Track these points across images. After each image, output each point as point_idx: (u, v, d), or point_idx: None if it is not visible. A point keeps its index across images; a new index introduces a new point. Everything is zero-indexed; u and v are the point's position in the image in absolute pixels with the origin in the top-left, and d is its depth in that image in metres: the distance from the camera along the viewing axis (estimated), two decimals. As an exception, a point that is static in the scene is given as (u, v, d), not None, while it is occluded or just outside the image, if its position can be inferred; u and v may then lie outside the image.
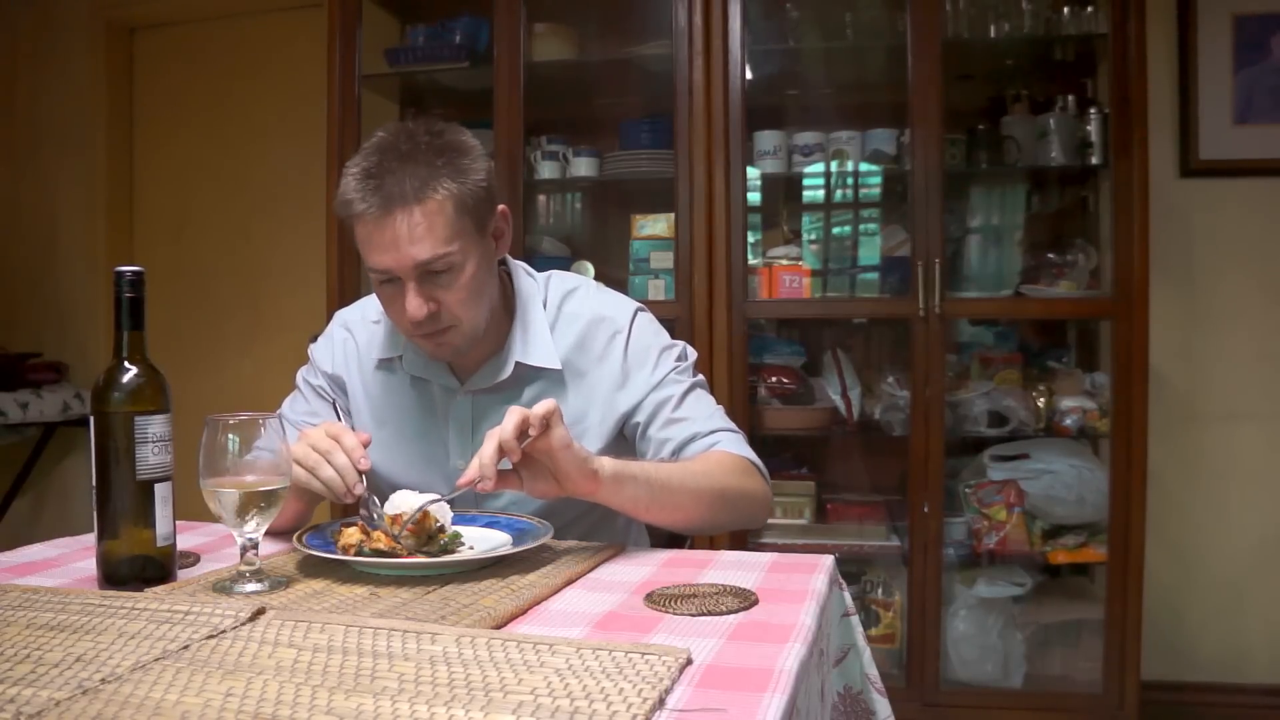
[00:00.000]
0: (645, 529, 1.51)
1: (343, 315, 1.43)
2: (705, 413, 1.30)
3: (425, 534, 1.06)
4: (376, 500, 1.10)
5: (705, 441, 1.26)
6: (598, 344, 1.31)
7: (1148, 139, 2.20)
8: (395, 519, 1.05)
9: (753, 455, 1.27)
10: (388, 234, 1.13)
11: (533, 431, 1.04)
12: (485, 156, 1.22)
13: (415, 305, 1.16)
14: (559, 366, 1.29)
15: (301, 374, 1.42)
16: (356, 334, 1.38)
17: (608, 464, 1.10)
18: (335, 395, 1.38)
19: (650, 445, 1.29)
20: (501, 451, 1.03)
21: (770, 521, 2.49)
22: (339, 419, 1.23)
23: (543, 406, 1.04)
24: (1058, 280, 2.37)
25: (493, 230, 1.24)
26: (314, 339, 1.46)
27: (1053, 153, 2.37)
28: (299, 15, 3.05)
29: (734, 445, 1.27)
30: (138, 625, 0.82)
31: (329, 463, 1.08)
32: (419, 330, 1.20)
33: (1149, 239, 2.21)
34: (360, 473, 1.08)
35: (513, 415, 1.03)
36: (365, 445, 1.10)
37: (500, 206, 1.25)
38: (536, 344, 1.29)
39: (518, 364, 1.28)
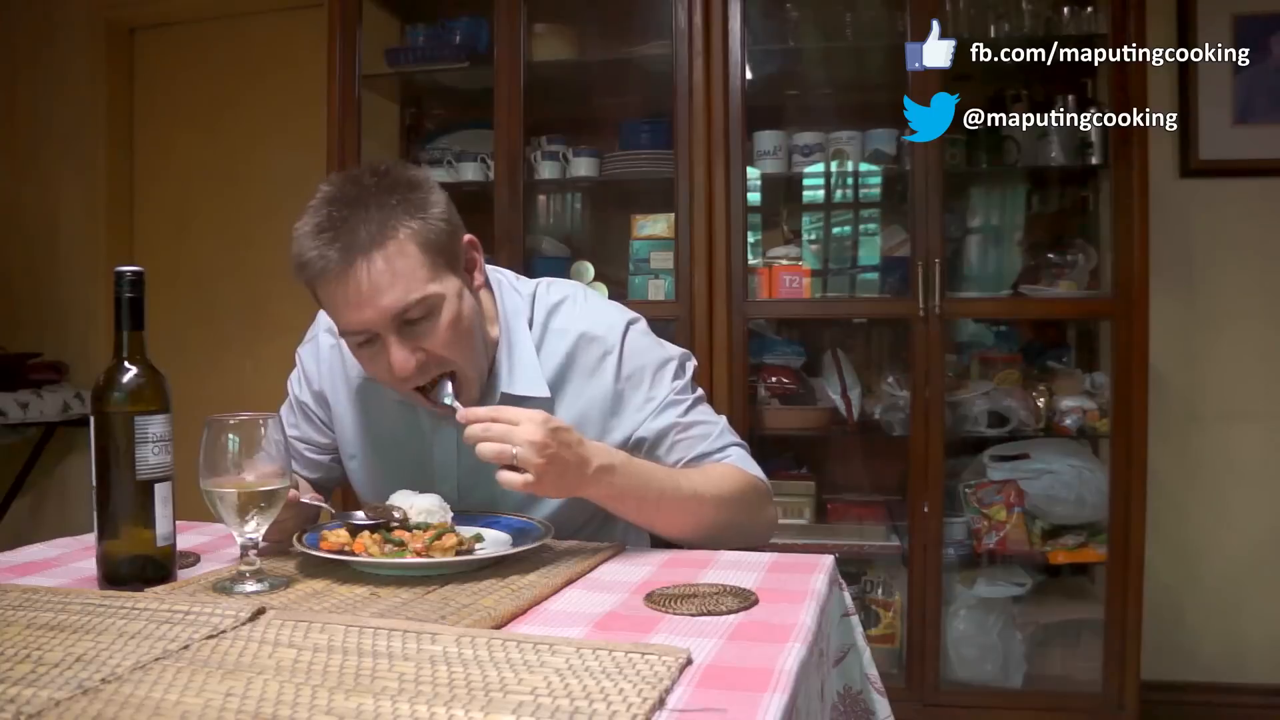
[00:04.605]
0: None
1: (327, 319, 1.32)
2: (713, 430, 1.26)
3: (454, 549, 1.06)
4: (399, 506, 1.10)
5: (715, 459, 1.24)
6: (587, 363, 1.24)
7: (1148, 139, 2.20)
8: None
9: (762, 475, 1.26)
10: (352, 288, 1.06)
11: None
12: (439, 188, 1.15)
13: (401, 359, 1.09)
14: (547, 394, 1.23)
15: (290, 382, 1.37)
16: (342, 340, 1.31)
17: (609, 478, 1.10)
18: (318, 414, 1.34)
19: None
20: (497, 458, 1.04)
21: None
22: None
23: (546, 429, 1.04)
24: (1058, 280, 2.37)
25: (464, 263, 1.17)
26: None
27: (1053, 153, 2.37)
28: (299, 15, 3.05)
29: (742, 462, 1.25)
30: (138, 625, 0.82)
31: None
32: (412, 385, 1.13)
33: (1149, 239, 2.20)
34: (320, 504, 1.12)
35: (534, 432, 1.03)
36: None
37: (466, 236, 1.18)
38: (522, 371, 1.23)
39: (504, 395, 1.22)
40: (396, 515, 1.09)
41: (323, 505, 1.16)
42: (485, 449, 1.04)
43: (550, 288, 1.30)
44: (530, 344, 1.24)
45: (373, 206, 1.07)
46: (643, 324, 1.30)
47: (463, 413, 1.07)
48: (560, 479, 1.06)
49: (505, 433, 1.03)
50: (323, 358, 1.33)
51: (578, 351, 1.24)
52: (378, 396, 1.29)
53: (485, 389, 1.23)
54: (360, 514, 1.11)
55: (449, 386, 1.14)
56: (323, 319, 1.35)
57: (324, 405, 1.33)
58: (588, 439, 1.10)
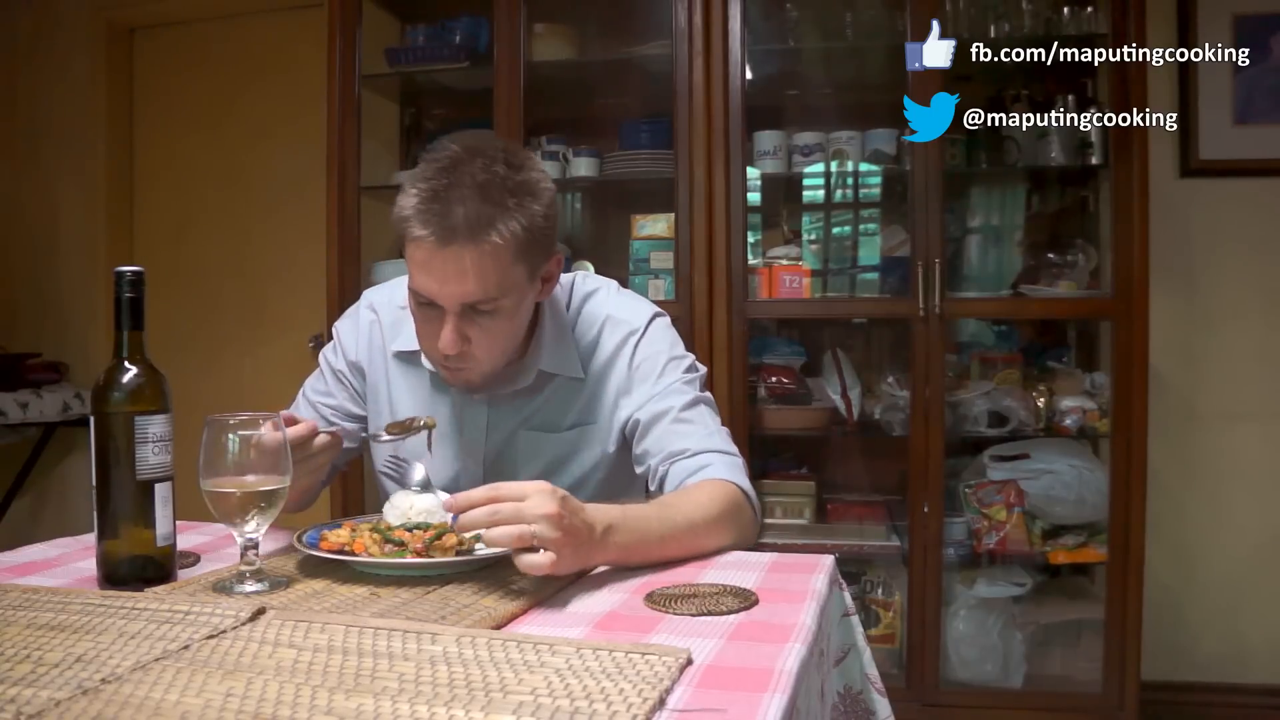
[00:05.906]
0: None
1: (371, 296, 1.41)
2: (703, 430, 1.25)
3: (454, 549, 1.06)
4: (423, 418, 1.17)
5: (695, 461, 1.21)
6: (611, 345, 1.30)
7: (1148, 139, 2.20)
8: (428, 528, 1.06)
9: (745, 483, 1.21)
10: (438, 264, 1.11)
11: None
12: (553, 196, 1.18)
13: (449, 340, 1.15)
14: (582, 375, 1.29)
15: (324, 353, 1.41)
16: (383, 316, 1.36)
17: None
18: (353, 383, 1.38)
19: (643, 453, 1.27)
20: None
21: (770, 521, 2.50)
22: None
23: (556, 498, 0.95)
24: (1057, 280, 2.37)
25: (543, 274, 1.21)
26: (314, 340, 1.46)
27: (1053, 153, 2.37)
28: (299, 15, 3.05)
29: (726, 471, 1.20)
30: (138, 625, 0.82)
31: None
32: (444, 361, 1.19)
33: (1149, 239, 2.21)
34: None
35: (546, 504, 0.94)
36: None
37: (556, 254, 1.22)
38: (560, 351, 1.29)
39: (540, 372, 1.28)
40: (420, 423, 1.15)
41: (337, 432, 1.19)
42: (499, 534, 0.94)
43: (586, 279, 1.38)
44: (568, 328, 1.31)
45: (491, 203, 1.10)
46: (668, 320, 1.36)
47: (450, 501, 0.98)
48: (577, 551, 0.97)
49: (516, 511, 0.93)
50: (361, 330, 1.38)
51: (604, 332, 1.31)
52: (411, 373, 1.34)
53: (521, 367, 1.28)
54: (385, 433, 1.19)
55: (420, 472, 1.18)
56: (365, 298, 1.41)
57: (359, 375, 1.38)
58: (586, 505, 1.01)
